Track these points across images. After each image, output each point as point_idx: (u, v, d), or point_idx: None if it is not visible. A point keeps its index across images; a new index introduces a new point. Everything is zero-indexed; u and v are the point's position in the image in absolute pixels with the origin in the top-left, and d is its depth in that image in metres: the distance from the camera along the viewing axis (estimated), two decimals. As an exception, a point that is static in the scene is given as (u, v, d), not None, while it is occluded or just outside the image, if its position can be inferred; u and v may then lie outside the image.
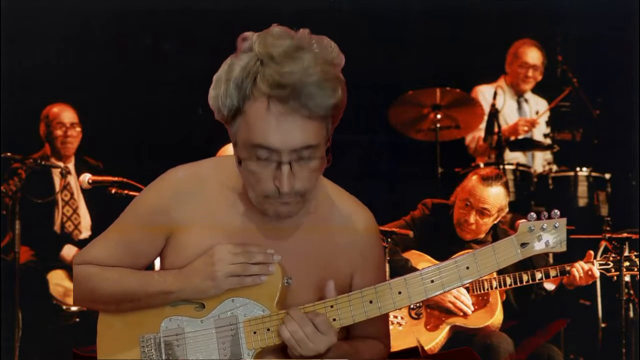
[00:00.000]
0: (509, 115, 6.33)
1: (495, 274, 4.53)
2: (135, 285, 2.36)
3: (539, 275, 4.47)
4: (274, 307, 2.32)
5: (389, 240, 4.41)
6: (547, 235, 2.29)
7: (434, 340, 4.48)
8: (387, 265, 4.35)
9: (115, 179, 4.43)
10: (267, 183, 2.19)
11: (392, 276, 4.38)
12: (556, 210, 2.31)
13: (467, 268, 2.29)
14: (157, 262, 2.54)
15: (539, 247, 2.29)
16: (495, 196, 4.56)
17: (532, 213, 2.30)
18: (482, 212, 4.57)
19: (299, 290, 2.35)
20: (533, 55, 6.35)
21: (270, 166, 2.17)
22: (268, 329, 2.30)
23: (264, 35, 2.17)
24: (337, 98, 2.15)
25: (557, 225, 2.29)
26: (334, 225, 2.40)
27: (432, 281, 2.29)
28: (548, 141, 6.35)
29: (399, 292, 2.29)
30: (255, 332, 2.31)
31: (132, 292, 2.36)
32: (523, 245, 2.28)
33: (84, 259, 2.45)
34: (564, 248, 2.32)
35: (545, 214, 2.29)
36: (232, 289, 2.31)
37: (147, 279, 2.37)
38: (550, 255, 5.29)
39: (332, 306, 2.29)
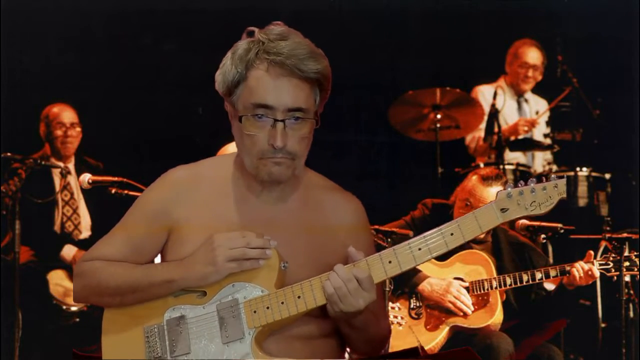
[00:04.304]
0: (509, 115, 6.33)
1: (495, 274, 4.53)
2: (139, 277, 2.47)
3: (539, 275, 4.48)
4: (272, 287, 2.42)
5: (389, 240, 4.41)
6: (526, 200, 2.40)
7: (434, 340, 4.49)
8: (387, 265, 4.34)
9: (115, 179, 4.43)
10: (262, 143, 2.41)
11: (392, 277, 4.40)
12: (533, 178, 2.44)
13: (452, 234, 2.42)
14: (157, 259, 2.60)
15: (518, 211, 2.41)
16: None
17: (509, 183, 2.45)
18: (482, 212, 4.57)
19: (296, 274, 2.45)
20: (533, 55, 6.35)
21: (266, 127, 2.40)
22: (267, 307, 2.41)
23: (264, 30, 2.46)
24: (324, 65, 2.44)
25: (534, 191, 2.40)
26: (325, 212, 2.54)
27: (420, 249, 2.41)
28: (548, 141, 6.35)
29: (389, 262, 2.41)
30: (255, 311, 2.41)
31: (137, 283, 2.47)
32: (503, 210, 2.41)
33: (90, 256, 2.56)
34: (542, 210, 2.40)
35: (522, 182, 2.42)
36: (231, 275, 2.42)
37: (151, 270, 2.49)
38: (550, 255, 5.29)
39: (329, 278, 2.40)
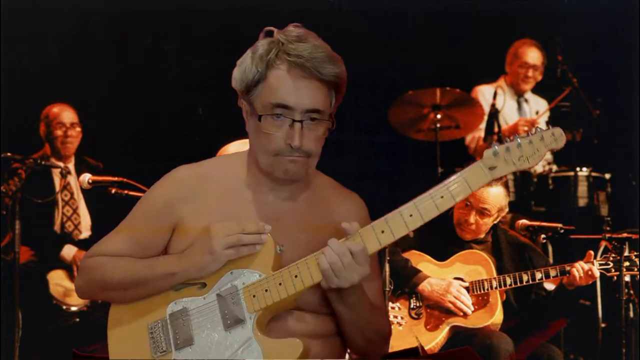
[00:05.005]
0: (509, 115, 6.33)
1: (495, 274, 4.53)
2: (142, 270, 2.52)
3: (539, 275, 4.47)
4: (269, 271, 2.45)
5: (389, 240, 4.40)
6: (513, 155, 2.39)
7: (434, 340, 4.48)
8: (387, 265, 4.36)
9: (115, 179, 4.43)
10: (279, 142, 2.46)
11: (392, 277, 4.41)
12: (517, 134, 2.41)
13: (442, 197, 2.41)
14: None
15: (507, 168, 2.40)
16: (495, 196, 4.56)
17: (495, 142, 2.42)
18: (482, 212, 4.57)
19: None
20: (533, 55, 6.35)
21: (284, 126, 2.45)
22: (266, 290, 2.44)
23: (283, 30, 2.51)
24: (342, 69, 2.49)
25: (520, 145, 2.38)
26: (330, 209, 2.59)
27: (411, 215, 2.42)
28: (548, 141, 6.33)
29: (382, 231, 2.42)
30: (254, 296, 2.45)
31: (139, 276, 2.51)
32: (491, 168, 2.41)
33: (95, 252, 2.60)
34: (531, 163, 2.39)
35: (508, 138, 2.40)
36: (229, 263, 2.46)
37: (153, 263, 2.53)
38: (550, 255, 5.29)
39: (323, 253, 2.42)
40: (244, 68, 2.49)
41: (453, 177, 2.41)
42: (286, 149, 2.45)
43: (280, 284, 2.43)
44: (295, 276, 2.43)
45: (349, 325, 2.50)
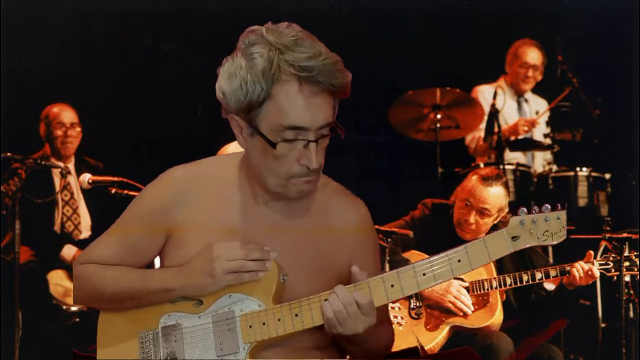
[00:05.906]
0: (509, 115, 6.33)
1: (495, 274, 4.53)
2: (136, 283, 2.42)
3: (539, 275, 4.47)
4: (270, 302, 2.37)
5: (389, 240, 4.41)
6: (538, 229, 2.31)
7: (434, 340, 4.48)
8: (387, 266, 4.35)
9: (115, 179, 4.43)
10: (292, 164, 2.29)
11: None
12: (547, 205, 2.33)
13: (459, 261, 2.33)
14: (157, 261, 2.57)
15: (530, 240, 2.31)
16: (495, 196, 4.56)
17: (523, 208, 2.33)
18: (482, 212, 4.57)
19: (296, 282, 2.40)
20: (533, 55, 6.35)
21: (297, 147, 2.27)
22: (264, 323, 2.36)
23: (271, 29, 2.30)
24: (349, 76, 2.31)
25: (548, 219, 2.31)
26: (330, 217, 2.46)
27: (424, 274, 2.34)
28: (548, 141, 6.35)
29: (392, 285, 2.33)
30: (251, 326, 2.36)
31: (134, 289, 2.42)
32: (514, 238, 2.31)
33: (86, 258, 2.50)
34: (555, 241, 2.32)
35: (536, 208, 2.32)
36: (229, 285, 2.37)
37: (148, 277, 2.43)
38: (550, 255, 5.29)
39: (326, 300, 2.33)
40: (239, 84, 2.26)
41: (474, 241, 2.32)
42: (301, 170, 2.29)
43: (279, 319, 2.34)
44: (296, 315, 2.34)
45: (351, 349, 2.45)
